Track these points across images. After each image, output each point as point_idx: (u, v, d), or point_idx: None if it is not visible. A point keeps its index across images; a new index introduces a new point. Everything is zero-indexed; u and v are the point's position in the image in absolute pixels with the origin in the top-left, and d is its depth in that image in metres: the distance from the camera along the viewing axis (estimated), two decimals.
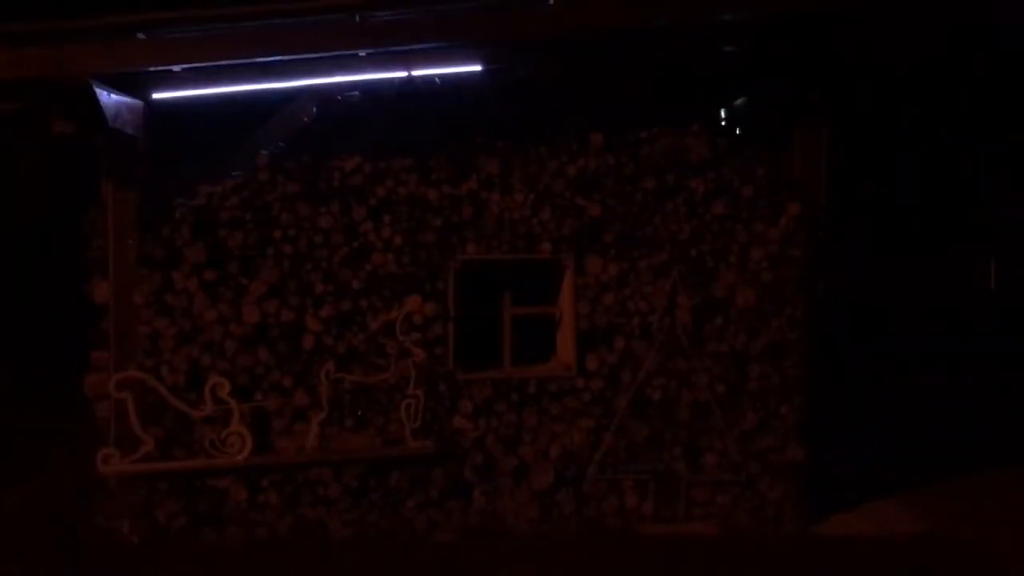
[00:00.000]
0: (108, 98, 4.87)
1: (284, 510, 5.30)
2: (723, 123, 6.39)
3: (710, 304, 5.58)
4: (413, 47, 5.03)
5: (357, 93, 5.41)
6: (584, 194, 5.53)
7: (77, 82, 4.72)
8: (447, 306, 5.45)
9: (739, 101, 6.49)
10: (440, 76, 5.39)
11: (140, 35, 4.74)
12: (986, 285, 13.74)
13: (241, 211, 5.29)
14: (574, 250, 5.54)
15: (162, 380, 5.17)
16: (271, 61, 4.98)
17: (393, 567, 4.88)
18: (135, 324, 5.24)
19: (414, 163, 5.41)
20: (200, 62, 4.85)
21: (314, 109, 5.40)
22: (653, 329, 5.53)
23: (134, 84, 5.01)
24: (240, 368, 5.26)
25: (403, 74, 5.27)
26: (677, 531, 5.48)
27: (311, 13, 4.77)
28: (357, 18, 4.78)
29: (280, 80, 5.20)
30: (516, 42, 5.12)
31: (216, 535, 5.24)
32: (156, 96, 5.18)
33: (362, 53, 5.02)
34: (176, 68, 4.95)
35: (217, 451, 5.16)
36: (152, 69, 4.91)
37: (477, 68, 5.29)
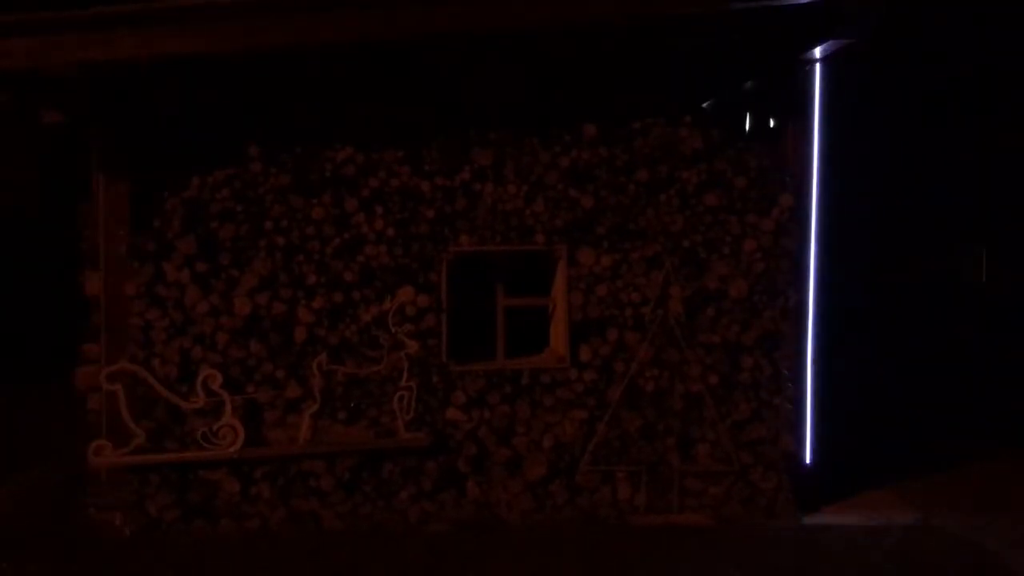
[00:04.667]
0: (98, 88, 4.84)
1: (277, 502, 5.30)
2: (715, 115, 6.38)
3: (703, 295, 5.58)
4: None
5: None
6: (577, 185, 5.52)
7: (66, 73, 4.69)
8: (440, 297, 5.44)
9: (732, 93, 6.47)
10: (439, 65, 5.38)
11: (129, 25, 4.70)
12: (977, 276, 13.79)
13: (232, 203, 5.27)
14: (567, 241, 5.53)
15: (153, 372, 5.16)
16: (266, 52, 4.95)
17: (386, 559, 4.88)
18: (126, 316, 5.22)
19: (406, 154, 5.40)
20: (188, 52, 4.82)
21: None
22: (646, 320, 5.53)
23: (123, 74, 4.97)
24: (232, 360, 5.24)
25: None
26: (670, 521, 5.49)
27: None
28: None
29: (273, 70, 5.17)
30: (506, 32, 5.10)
31: (208, 527, 5.23)
32: (147, 87, 5.14)
33: None
34: (165, 59, 4.91)
35: (209, 443, 5.14)
36: (141, 59, 4.87)
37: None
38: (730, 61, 5.69)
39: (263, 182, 5.30)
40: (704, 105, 5.99)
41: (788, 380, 5.60)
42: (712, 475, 5.62)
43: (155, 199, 5.24)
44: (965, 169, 13.02)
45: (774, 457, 5.61)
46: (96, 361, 5.31)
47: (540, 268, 5.80)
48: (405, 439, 5.31)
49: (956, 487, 6.33)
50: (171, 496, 5.20)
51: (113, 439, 5.14)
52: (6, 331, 10.07)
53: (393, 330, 5.34)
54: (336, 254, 5.33)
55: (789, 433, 5.60)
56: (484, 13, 4.84)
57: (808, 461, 5.66)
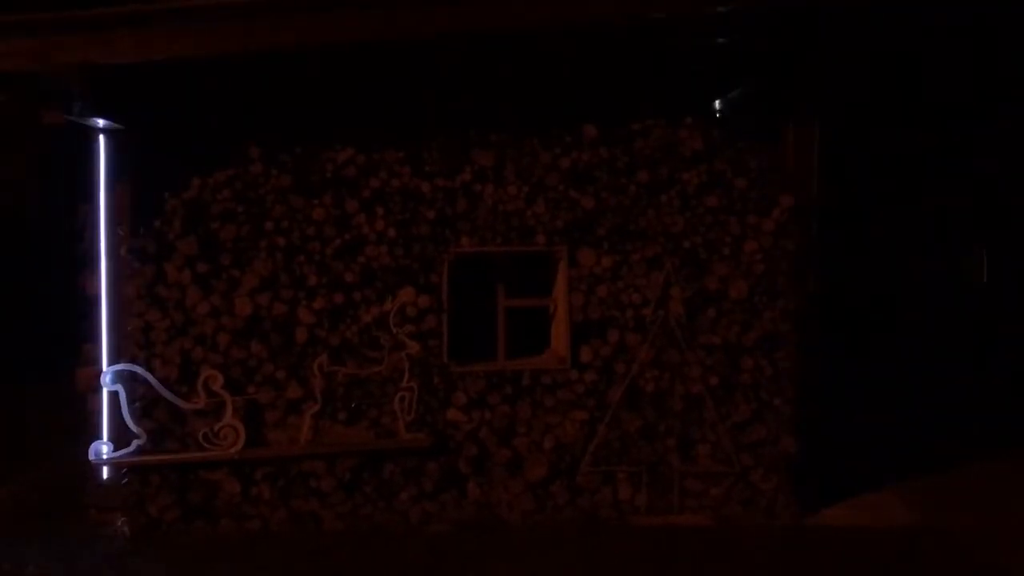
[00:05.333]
0: (98, 89, 4.84)
1: (277, 503, 5.30)
2: (716, 115, 6.38)
3: (703, 296, 5.58)
4: None
5: None
6: (578, 186, 5.52)
7: (66, 73, 4.69)
8: (441, 298, 5.44)
9: (732, 94, 6.47)
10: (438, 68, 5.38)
11: (129, 26, 4.70)
12: (977, 276, 13.78)
13: (233, 203, 5.27)
14: (568, 242, 5.53)
15: (154, 373, 5.15)
16: (266, 52, 4.95)
17: (387, 559, 4.88)
18: (127, 317, 5.22)
19: (407, 155, 5.40)
20: (188, 52, 4.82)
21: None
22: (647, 321, 5.53)
23: (124, 75, 4.97)
24: (233, 361, 5.25)
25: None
26: (670, 522, 5.50)
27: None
28: None
29: (273, 70, 5.17)
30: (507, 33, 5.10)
31: (208, 528, 5.23)
32: (147, 87, 5.14)
33: None
34: (165, 60, 4.91)
35: (210, 444, 5.15)
36: (141, 60, 4.87)
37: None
38: (730, 61, 5.69)
39: (264, 183, 5.30)
40: (708, 104, 5.98)
41: (788, 381, 5.59)
42: (712, 476, 5.62)
43: (156, 199, 5.24)
44: (966, 169, 13.01)
45: (774, 458, 5.61)
46: (97, 361, 5.30)
47: (541, 269, 5.80)
48: (406, 440, 5.32)
49: (956, 487, 6.33)
50: (171, 496, 5.21)
51: (114, 440, 5.14)
52: (6, 331, 10.06)
53: (394, 331, 5.34)
54: (337, 255, 5.33)
55: (789, 434, 5.60)
56: (484, 13, 4.84)
57: (809, 462, 5.64)
